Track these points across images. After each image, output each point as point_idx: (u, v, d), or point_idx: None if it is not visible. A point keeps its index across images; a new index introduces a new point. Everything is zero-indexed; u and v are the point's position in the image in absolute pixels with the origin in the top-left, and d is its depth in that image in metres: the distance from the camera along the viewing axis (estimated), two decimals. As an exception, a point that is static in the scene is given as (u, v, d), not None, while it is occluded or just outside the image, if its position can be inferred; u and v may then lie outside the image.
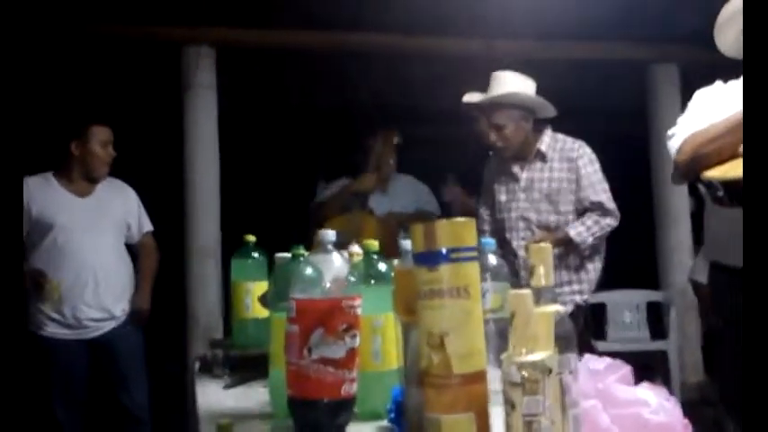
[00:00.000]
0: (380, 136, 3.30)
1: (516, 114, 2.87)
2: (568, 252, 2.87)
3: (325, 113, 4.79)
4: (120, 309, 3.11)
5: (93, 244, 3.02)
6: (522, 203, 2.90)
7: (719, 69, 2.14)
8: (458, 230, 0.94)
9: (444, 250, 0.92)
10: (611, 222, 2.86)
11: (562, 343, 0.94)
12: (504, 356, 0.91)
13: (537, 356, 0.89)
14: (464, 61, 4.44)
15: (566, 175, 2.86)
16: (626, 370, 1.02)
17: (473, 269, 0.94)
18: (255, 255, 1.95)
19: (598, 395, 0.98)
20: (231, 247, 2.19)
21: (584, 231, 2.81)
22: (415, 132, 3.56)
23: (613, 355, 3.63)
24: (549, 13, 3.93)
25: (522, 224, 2.90)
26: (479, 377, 0.93)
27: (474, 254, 0.95)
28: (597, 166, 2.91)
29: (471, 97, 2.93)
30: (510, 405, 0.89)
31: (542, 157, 2.89)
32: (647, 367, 4.70)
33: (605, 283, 4.84)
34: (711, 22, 2.05)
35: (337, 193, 3.37)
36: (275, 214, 4.26)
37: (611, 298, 4.78)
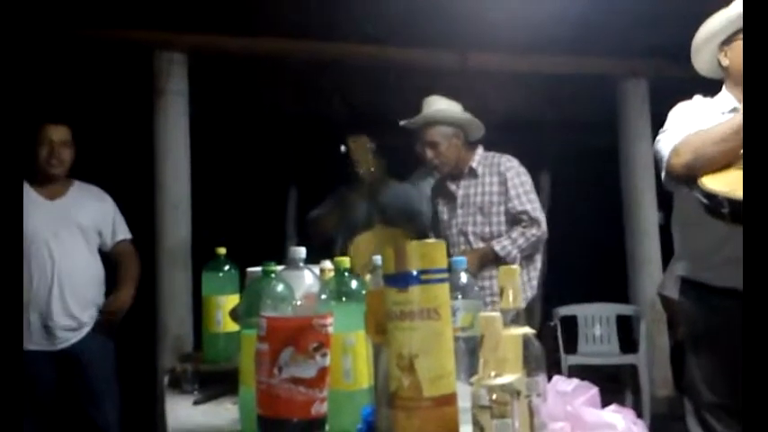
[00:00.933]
0: (352, 143, 3.32)
1: (448, 131, 3.07)
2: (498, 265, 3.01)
3: (298, 122, 4.78)
4: (88, 316, 3.01)
5: (58, 247, 2.93)
6: (460, 219, 3.06)
7: (687, 83, 2.19)
8: (429, 252, 0.94)
9: (415, 272, 0.92)
10: (536, 232, 2.99)
11: (531, 365, 0.95)
12: (473, 379, 0.91)
13: (506, 379, 0.89)
14: (438, 72, 4.47)
15: (496, 189, 3.02)
16: (594, 392, 1.03)
17: (443, 291, 0.94)
18: (226, 268, 1.94)
19: (567, 418, 0.99)
20: (202, 255, 2.17)
21: (508, 245, 2.96)
22: (388, 142, 3.56)
23: (584, 368, 3.71)
24: (523, 27, 3.97)
25: (461, 239, 3.05)
26: (450, 399, 0.93)
27: (445, 275, 0.95)
28: (525, 178, 3.06)
29: (405, 122, 3.13)
30: (479, 428, 0.89)
31: (474, 173, 3.07)
32: (616, 380, 4.75)
33: (576, 295, 4.91)
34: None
35: (332, 206, 3.43)
36: (247, 223, 4.23)
37: (581, 311, 4.82)
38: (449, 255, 2.94)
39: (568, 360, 4.54)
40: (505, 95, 4.90)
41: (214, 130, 4.68)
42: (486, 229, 3.01)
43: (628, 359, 4.56)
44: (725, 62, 2.02)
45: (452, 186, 3.11)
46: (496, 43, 4.27)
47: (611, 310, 4.80)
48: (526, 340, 0.95)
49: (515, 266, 0.99)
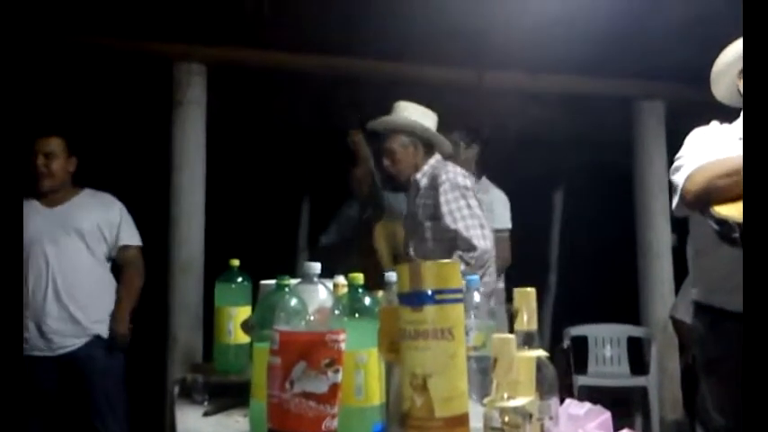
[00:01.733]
0: (354, 136, 3.38)
1: (405, 141, 2.99)
2: None
3: (313, 136, 4.81)
4: (94, 322, 3.00)
5: (56, 253, 2.94)
6: (404, 229, 3.05)
7: (703, 106, 2.19)
8: (443, 272, 0.95)
9: (430, 291, 0.93)
10: (474, 254, 2.81)
11: (544, 388, 0.95)
12: (486, 401, 0.91)
13: (518, 402, 0.89)
14: (455, 90, 4.49)
15: (431, 201, 2.90)
16: (606, 416, 1.03)
17: (458, 311, 0.94)
18: (239, 279, 1.95)
19: (578, 441, 0.98)
20: (215, 266, 2.18)
21: None
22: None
23: (594, 389, 3.69)
24: (540, 47, 3.99)
25: (406, 250, 3.00)
26: (462, 420, 0.93)
27: (459, 296, 0.95)
28: (458, 193, 2.88)
29: (372, 124, 3.10)
30: (490, 450, 0.89)
31: (417, 185, 2.99)
32: (626, 403, 4.71)
33: (587, 315, 4.89)
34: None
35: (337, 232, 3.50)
36: (260, 235, 4.24)
37: (592, 331, 4.80)
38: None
39: (578, 381, 4.51)
40: (521, 114, 4.92)
41: (230, 142, 4.72)
42: (429, 245, 2.92)
43: (638, 381, 4.52)
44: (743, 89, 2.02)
45: (402, 199, 3.12)
46: (513, 62, 4.28)
47: (622, 331, 4.77)
48: (539, 363, 0.95)
49: (531, 289, 0.99)
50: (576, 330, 4.76)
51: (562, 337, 4.73)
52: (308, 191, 5.34)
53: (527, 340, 0.97)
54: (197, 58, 4.06)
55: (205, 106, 4.09)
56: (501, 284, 3.77)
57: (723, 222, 1.74)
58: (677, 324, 3.81)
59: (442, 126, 3.18)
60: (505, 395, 0.90)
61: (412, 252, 2.95)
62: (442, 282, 0.94)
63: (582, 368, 4.68)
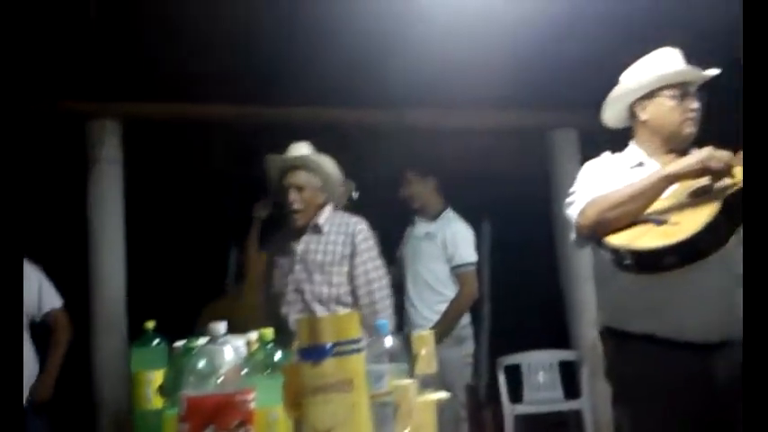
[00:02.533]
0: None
1: (314, 181, 2.90)
2: None
3: (236, 185, 4.79)
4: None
5: None
6: (296, 275, 2.85)
7: (615, 133, 2.29)
8: (342, 324, 0.96)
9: (328, 345, 0.94)
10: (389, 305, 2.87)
11: (447, 429, 0.97)
12: (389, 449, 0.92)
13: (421, 447, 0.90)
14: (376, 131, 4.57)
15: (340, 249, 2.85)
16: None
17: (358, 362, 0.95)
18: (155, 342, 1.90)
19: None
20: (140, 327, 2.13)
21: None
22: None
23: (530, 417, 3.74)
24: (456, 82, 4.09)
25: (296, 296, 2.84)
26: (368, 470, 0.94)
27: (359, 346, 0.97)
28: (372, 242, 2.91)
29: (277, 157, 2.96)
30: (396, 498, 0.90)
31: (318, 229, 2.90)
32: (564, 426, 4.78)
33: (518, 343, 4.96)
34: (605, 88, 2.22)
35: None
36: (187, 288, 4.17)
37: (525, 359, 4.87)
38: (277, 315, 2.89)
39: (515, 410, 4.56)
40: (442, 150, 5.02)
41: (151, 196, 4.65)
42: (325, 290, 2.82)
43: (572, 405, 4.60)
44: (643, 116, 2.13)
45: (293, 241, 2.90)
46: (429, 100, 4.38)
47: (553, 356, 4.86)
48: (441, 405, 0.96)
49: (429, 332, 1.01)
50: (509, 360, 4.83)
51: (496, 367, 4.79)
52: (234, 240, 5.28)
53: (427, 383, 0.99)
54: (110, 114, 4.00)
55: (121, 163, 4.03)
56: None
57: (616, 251, 1.84)
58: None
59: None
60: (408, 441, 0.91)
61: (308, 295, 2.81)
62: (341, 334, 0.95)
63: (518, 397, 4.74)
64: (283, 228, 3.01)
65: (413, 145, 4.58)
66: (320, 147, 3.05)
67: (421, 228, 3.85)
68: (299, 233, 2.90)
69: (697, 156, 1.90)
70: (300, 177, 2.88)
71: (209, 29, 3.42)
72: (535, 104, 4.69)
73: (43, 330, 3.14)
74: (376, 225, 4.38)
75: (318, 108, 4.36)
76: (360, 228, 2.89)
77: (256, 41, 3.59)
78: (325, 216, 2.92)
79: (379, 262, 2.91)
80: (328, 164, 2.95)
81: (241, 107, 4.23)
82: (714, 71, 2.12)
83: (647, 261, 1.80)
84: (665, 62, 2.12)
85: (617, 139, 2.27)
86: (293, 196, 2.85)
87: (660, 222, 1.83)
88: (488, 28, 3.61)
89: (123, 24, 3.38)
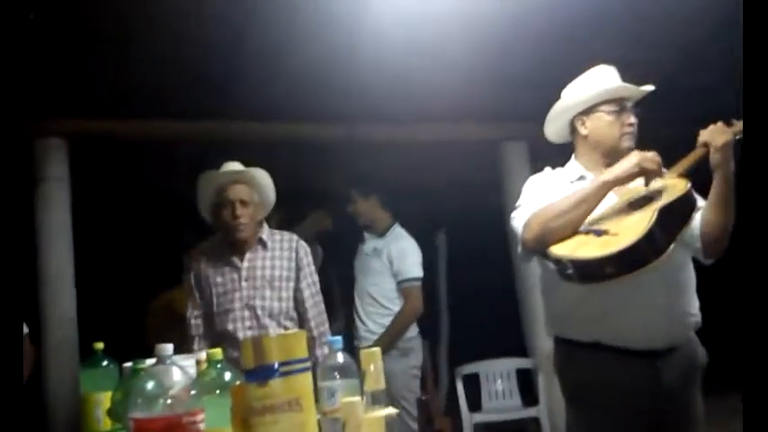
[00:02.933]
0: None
1: (254, 196, 2.91)
2: None
3: (189, 204, 4.74)
4: None
5: None
6: (245, 292, 2.83)
7: (562, 145, 2.34)
8: (288, 343, 0.96)
9: (275, 365, 0.94)
10: (324, 330, 2.92)
11: (396, 445, 0.97)
12: (338, 466, 0.92)
13: (369, 463, 0.91)
14: (326, 146, 4.57)
15: (287, 264, 2.90)
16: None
17: (305, 380, 0.95)
18: (104, 363, 1.88)
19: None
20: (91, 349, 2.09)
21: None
22: (278, 214, 3.58)
23: (489, 426, 3.76)
24: (407, 96, 4.13)
25: (247, 313, 2.82)
26: (317, 489, 0.94)
27: (306, 365, 0.97)
28: (311, 259, 2.99)
29: (223, 168, 2.96)
30: None
31: (264, 245, 2.91)
32: (522, 432, 4.84)
33: (476, 352, 5.01)
34: (552, 101, 2.27)
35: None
36: (139, 310, 4.09)
37: (483, 368, 4.92)
38: (225, 331, 2.86)
39: (474, 418, 4.59)
40: (395, 163, 5.05)
41: (100, 215, 4.56)
42: (276, 305, 2.84)
43: (530, 412, 4.66)
44: (583, 131, 2.19)
45: (234, 257, 2.87)
46: (380, 114, 4.41)
47: (510, 364, 4.92)
48: (389, 421, 0.97)
49: (376, 349, 1.02)
50: (467, 369, 4.86)
51: (455, 376, 4.82)
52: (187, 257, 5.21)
53: (376, 400, 1.00)
54: (55, 132, 3.92)
55: (68, 182, 3.94)
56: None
57: (558, 261, 1.88)
58: None
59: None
60: (357, 458, 0.91)
61: (259, 311, 2.81)
62: (288, 353, 0.95)
63: (476, 406, 4.77)
64: (210, 244, 2.96)
65: (359, 160, 4.59)
66: (266, 162, 3.06)
67: (369, 244, 3.93)
68: (239, 249, 2.88)
69: (630, 159, 1.96)
70: (243, 192, 2.87)
71: (157, 44, 3.39)
72: (486, 117, 4.76)
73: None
74: (331, 239, 4.41)
75: (268, 123, 4.35)
76: (301, 244, 2.96)
77: (205, 57, 3.57)
78: (267, 232, 2.95)
79: (317, 278, 2.98)
80: (266, 179, 2.97)
81: (189, 123, 4.20)
82: (649, 87, 2.19)
83: (588, 271, 1.84)
84: (603, 79, 2.19)
85: (566, 152, 2.33)
86: (240, 210, 2.83)
87: (600, 233, 1.88)
88: (439, 43, 3.66)
89: (67, 40, 3.32)
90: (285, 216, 3.67)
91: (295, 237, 2.99)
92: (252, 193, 2.90)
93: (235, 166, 2.96)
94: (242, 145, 4.40)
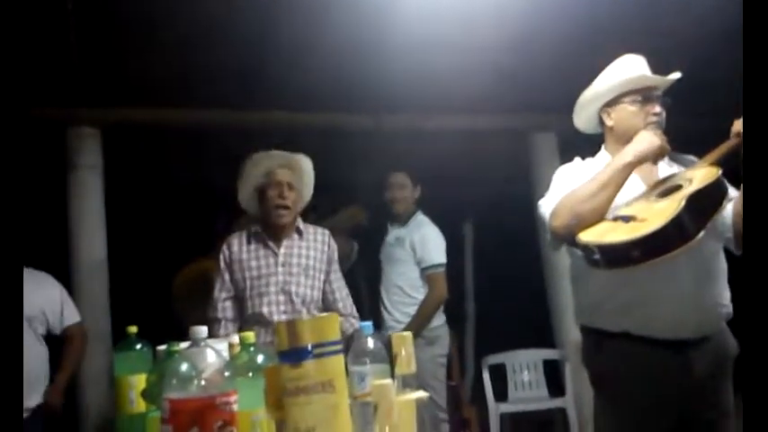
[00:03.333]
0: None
1: (299, 182, 2.96)
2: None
3: (218, 192, 4.78)
4: (34, 401, 3.09)
5: None
6: (281, 277, 2.88)
7: (592, 136, 2.33)
8: (321, 326, 0.97)
9: (309, 346, 0.95)
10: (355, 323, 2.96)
11: (426, 428, 0.99)
12: (370, 447, 0.93)
13: (400, 445, 0.92)
14: (354, 135, 4.58)
15: (320, 255, 2.97)
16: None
17: (338, 363, 0.97)
18: (138, 346, 1.91)
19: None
20: (122, 334, 2.13)
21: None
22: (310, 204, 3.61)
23: (515, 415, 3.78)
24: (437, 85, 4.12)
25: (282, 297, 2.87)
26: (349, 469, 0.95)
27: (338, 347, 0.98)
28: (338, 256, 3.07)
29: (274, 153, 2.98)
30: (377, 495, 0.91)
31: (300, 233, 2.98)
32: (549, 424, 4.82)
33: (503, 343, 5.00)
34: (582, 92, 2.25)
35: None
36: (168, 297, 4.15)
37: (509, 358, 4.91)
38: (259, 314, 2.90)
39: (500, 408, 4.59)
40: (423, 153, 5.05)
41: (133, 203, 4.62)
42: (309, 292, 2.90)
43: (556, 403, 4.64)
44: (609, 122, 2.18)
45: (271, 242, 2.92)
46: (408, 104, 4.41)
47: (537, 355, 4.90)
48: (420, 404, 0.98)
49: (408, 333, 1.03)
50: (494, 359, 4.86)
51: (482, 366, 4.82)
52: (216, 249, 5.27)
53: (408, 383, 1.01)
54: (88, 121, 3.99)
55: (101, 170, 4.01)
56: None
57: (585, 247, 1.87)
58: None
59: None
60: (388, 440, 0.93)
61: (294, 296, 2.86)
62: (321, 335, 0.97)
63: (503, 396, 4.77)
64: (246, 231, 3.00)
65: (387, 150, 4.60)
66: (304, 149, 3.09)
67: (392, 233, 3.97)
68: (277, 236, 2.94)
69: (647, 137, 1.96)
70: (291, 176, 2.94)
71: (189, 33, 3.42)
72: (515, 108, 4.73)
73: (57, 343, 3.35)
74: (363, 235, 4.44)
75: (297, 113, 4.37)
76: (330, 236, 3.04)
77: (237, 46, 3.59)
78: (302, 224, 3.01)
79: (341, 275, 3.07)
80: (311, 167, 3.02)
81: (219, 112, 4.23)
82: (676, 75, 2.16)
83: (614, 255, 1.83)
84: (627, 69, 2.16)
85: (596, 143, 2.31)
86: (287, 193, 2.89)
87: (628, 219, 1.87)
88: (468, 33, 3.64)
89: (102, 30, 3.37)
90: (315, 210, 3.69)
91: (327, 231, 3.05)
92: (298, 179, 2.96)
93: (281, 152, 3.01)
94: (271, 134, 4.44)
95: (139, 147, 4.47)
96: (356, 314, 3.01)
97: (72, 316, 3.38)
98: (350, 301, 3.04)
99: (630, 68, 2.16)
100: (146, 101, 4.05)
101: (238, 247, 2.95)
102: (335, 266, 3.02)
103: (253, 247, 2.94)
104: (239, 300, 2.91)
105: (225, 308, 2.90)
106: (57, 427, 3.37)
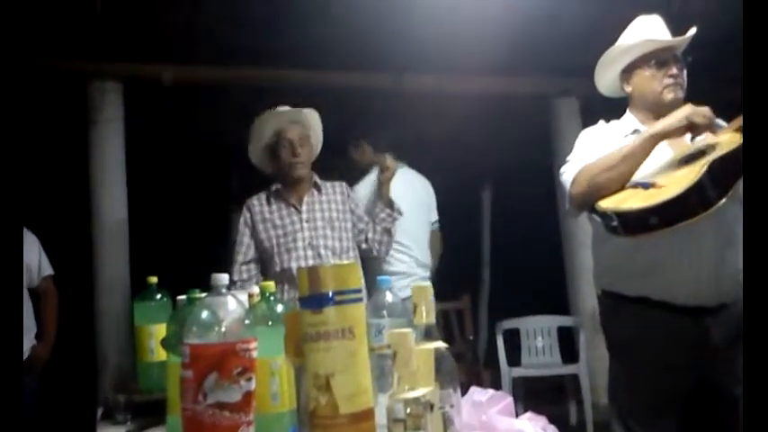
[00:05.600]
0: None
1: (317, 136, 3.02)
2: None
3: (237, 148, 4.79)
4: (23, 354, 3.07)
5: None
6: (307, 233, 2.91)
7: (615, 101, 2.29)
8: (342, 273, 0.98)
9: (330, 293, 0.96)
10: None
11: (444, 378, 0.99)
12: (388, 394, 0.94)
13: (419, 392, 0.93)
14: (376, 94, 4.54)
15: (341, 207, 2.99)
16: (508, 401, 1.08)
17: (358, 310, 0.97)
18: (158, 296, 1.93)
19: (482, 427, 1.03)
20: (142, 284, 2.16)
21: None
22: (329, 164, 3.60)
23: (528, 380, 3.81)
24: (457, 47, 4.07)
25: (310, 252, 2.89)
26: (367, 416, 0.96)
27: (359, 295, 0.98)
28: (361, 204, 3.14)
29: (281, 109, 2.99)
30: (394, 441, 0.92)
31: (318, 188, 2.99)
32: (561, 390, 4.85)
33: (518, 308, 5.01)
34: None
35: None
36: (188, 250, 4.20)
37: (524, 323, 4.92)
38: (287, 270, 2.91)
39: (513, 372, 4.62)
40: (443, 116, 5.00)
41: (153, 158, 4.64)
42: (338, 244, 2.92)
43: (569, 369, 4.66)
44: (627, 88, 2.15)
45: (293, 199, 2.94)
46: (430, 65, 4.36)
47: (552, 321, 4.91)
48: (438, 354, 0.98)
49: (427, 284, 1.03)
50: (509, 324, 4.88)
51: (495, 330, 4.84)
52: (235, 204, 5.30)
53: (427, 333, 1.01)
54: (110, 75, 3.99)
55: (122, 123, 4.02)
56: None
57: (603, 214, 1.85)
58: None
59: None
60: (406, 387, 0.93)
61: (322, 250, 2.89)
62: (341, 283, 0.97)
63: (516, 361, 4.79)
64: (266, 192, 3.00)
65: (413, 110, 4.56)
66: (318, 110, 3.08)
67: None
68: (296, 193, 2.95)
69: (681, 112, 1.91)
70: (301, 131, 2.95)
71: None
72: (537, 72, 4.67)
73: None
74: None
75: (316, 70, 4.34)
76: (348, 187, 3.08)
77: (256, 2, 3.56)
78: (318, 179, 3.01)
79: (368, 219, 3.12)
80: (318, 120, 3.04)
81: (238, 69, 4.22)
82: (691, 32, 2.10)
83: (632, 222, 1.82)
84: (639, 32, 2.11)
85: (618, 109, 2.27)
86: (299, 149, 2.91)
87: (648, 186, 1.85)
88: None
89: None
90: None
91: (344, 183, 3.07)
92: (307, 133, 2.97)
93: (288, 109, 3.01)
94: (289, 91, 4.41)
95: (164, 102, 4.46)
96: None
97: (48, 268, 3.38)
98: (384, 241, 3.10)
99: (642, 31, 2.11)
100: (166, 56, 4.04)
101: (260, 207, 2.96)
102: (359, 213, 3.05)
103: (275, 207, 2.96)
104: (263, 260, 2.94)
105: (242, 270, 2.93)
106: (76, 375, 3.44)
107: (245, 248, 2.95)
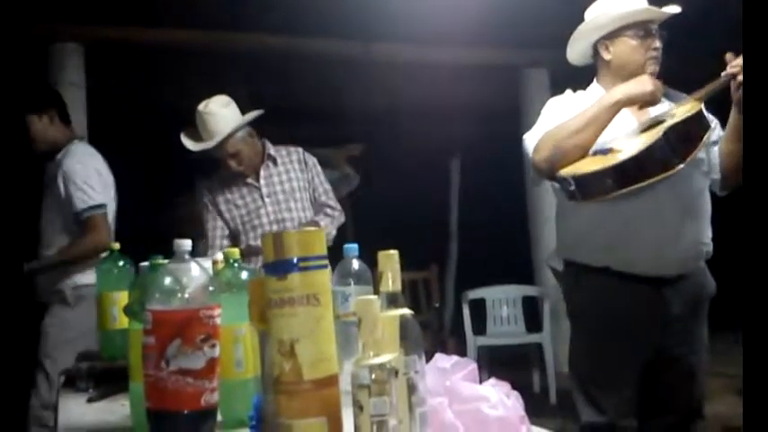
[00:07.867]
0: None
1: (245, 135, 2.86)
2: None
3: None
4: None
5: None
6: (270, 207, 2.89)
7: (584, 72, 2.29)
8: (307, 239, 0.96)
9: (294, 259, 0.94)
10: (341, 218, 3.00)
11: (409, 345, 0.99)
12: (353, 360, 0.94)
13: (383, 359, 0.93)
14: (343, 63, 4.50)
15: (300, 174, 2.95)
16: (472, 367, 1.08)
17: (323, 276, 0.96)
18: (121, 263, 1.90)
19: (446, 392, 1.03)
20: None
21: (329, 223, 2.94)
22: (296, 133, 3.56)
23: (493, 348, 3.85)
24: (427, 18, 4.05)
25: (275, 227, 2.86)
26: (331, 381, 0.96)
27: (324, 262, 0.97)
28: (320, 168, 3.04)
29: (197, 146, 2.86)
30: (358, 407, 0.92)
31: (273, 160, 2.94)
32: (525, 359, 4.94)
33: (484, 278, 5.07)
34: (575, 28, 2.20)
35: None
36: (151, 218, 4.14)
37: (489, 293, 4.98)
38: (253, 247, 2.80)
39: (478, 341, 4.69)
40: (412, 86, 4.98)
41: (115, 122, 4.55)
42: (302, 214, 2.90)
43: (533, 338, 4.74)
44: (606, 56, 2.13)
45: (250, 178, 2.90)
46: (400, 34, 4.33)
47: (517, 291, 4.97)
48: (404, 321, 0.98)
49: (394, 252, 1.02)
50: (474, 294, 4.93)
51: (462, 300, 4.89)
52: (200, 171, 5.23)
53: (392, 301, 1.01)
54: (71, 37, 3.88)
55: (84, 87, 3.93)
56: None
57: (562, 180, 1.87)
58: (555, 273, 3.99)
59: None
60: (371, 354, 0.93)
61: (288, 223, 2.87)
62: (307, 249, 0.96)
63: (481, 330, 4.86)
64: (224, 172, 2.92)
65: (382, 78, 4.53)
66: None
67: None
68: (254, 169, 2.90)
69: (647, 85, 1.93)
70: (229, 146, 2.81)
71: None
72: (507, 43, 4.67)
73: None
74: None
75: (285, 36, 4.28)
76: (304, 152, 2.99)
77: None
78: (272, 148, 2.95)
79: (329, 186, 3.05)
80: (231, 120, 2.83)
81: (207, 33, 4.14)
82: (675, 8, 2.11)
83: (589, 185, 1.85)
84: (629, 1, 2.11)
85: (588, 80, 2.27)
86: (234, 162, 2.83)
87: (606, 152, 1.87)
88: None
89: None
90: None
91: (300, 149, 3.00)
92: (236, 142, 2.82)
93: (220, 117, 2.83)
94: (257, 58, 4.35)
95: (125, 66, 4.37)
96: (336, 206, 3.01)
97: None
98: (336, 203, 3.02)
99: (631, 1, 2.11)
100: (129, 19, 3.94)
101: (219, 188, 2.92)
102: (318, 180, 2.98)
103: (234, 186, 2.91)
104: (233, 237, 2.92)
105: (223, 246, 2.86)
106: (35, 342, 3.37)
107: (217, 224, 2.92)
